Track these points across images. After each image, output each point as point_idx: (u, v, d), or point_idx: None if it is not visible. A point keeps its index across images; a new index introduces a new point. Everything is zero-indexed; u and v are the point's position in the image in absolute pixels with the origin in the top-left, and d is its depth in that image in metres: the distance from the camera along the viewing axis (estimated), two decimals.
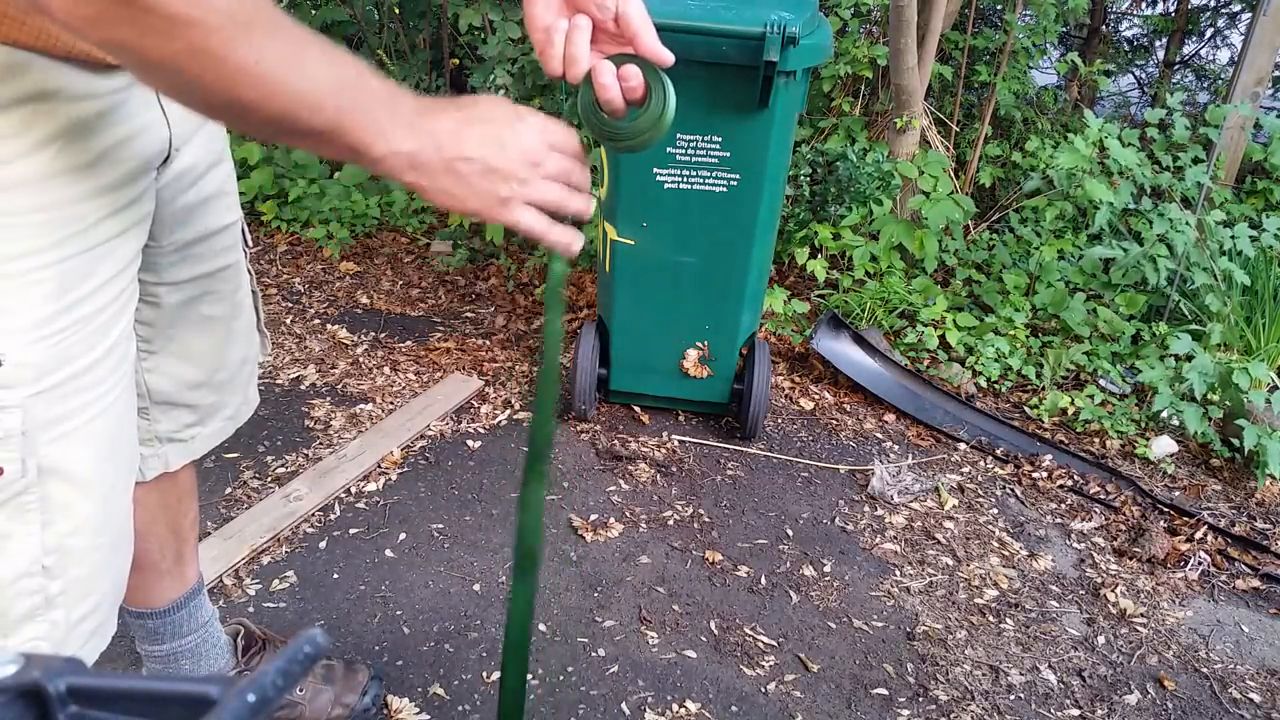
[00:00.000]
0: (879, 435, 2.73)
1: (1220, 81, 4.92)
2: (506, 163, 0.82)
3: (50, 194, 0.82)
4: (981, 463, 2.64)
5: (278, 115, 0.71)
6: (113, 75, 0.86)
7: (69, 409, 0.87)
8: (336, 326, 3.05)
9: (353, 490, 2.30)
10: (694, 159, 2.26)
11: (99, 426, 0.91)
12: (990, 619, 2.08)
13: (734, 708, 1.80)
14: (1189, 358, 2.73)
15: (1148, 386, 2.81)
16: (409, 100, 0.79)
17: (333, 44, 0.75)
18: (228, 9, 0.66)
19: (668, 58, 0.90)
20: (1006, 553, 2.30)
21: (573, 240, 0.88)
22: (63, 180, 0.83)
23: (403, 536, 2.16)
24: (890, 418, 2.81)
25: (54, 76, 0.80)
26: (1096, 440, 2.78)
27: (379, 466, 2.38)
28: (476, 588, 2.03)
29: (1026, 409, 2.88)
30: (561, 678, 1.82)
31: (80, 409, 0.88)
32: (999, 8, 4.38)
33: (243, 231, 1.24)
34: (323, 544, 2.12)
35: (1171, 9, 4.89)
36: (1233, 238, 2.99)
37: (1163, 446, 2.72)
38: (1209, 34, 5.06)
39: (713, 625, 1.99)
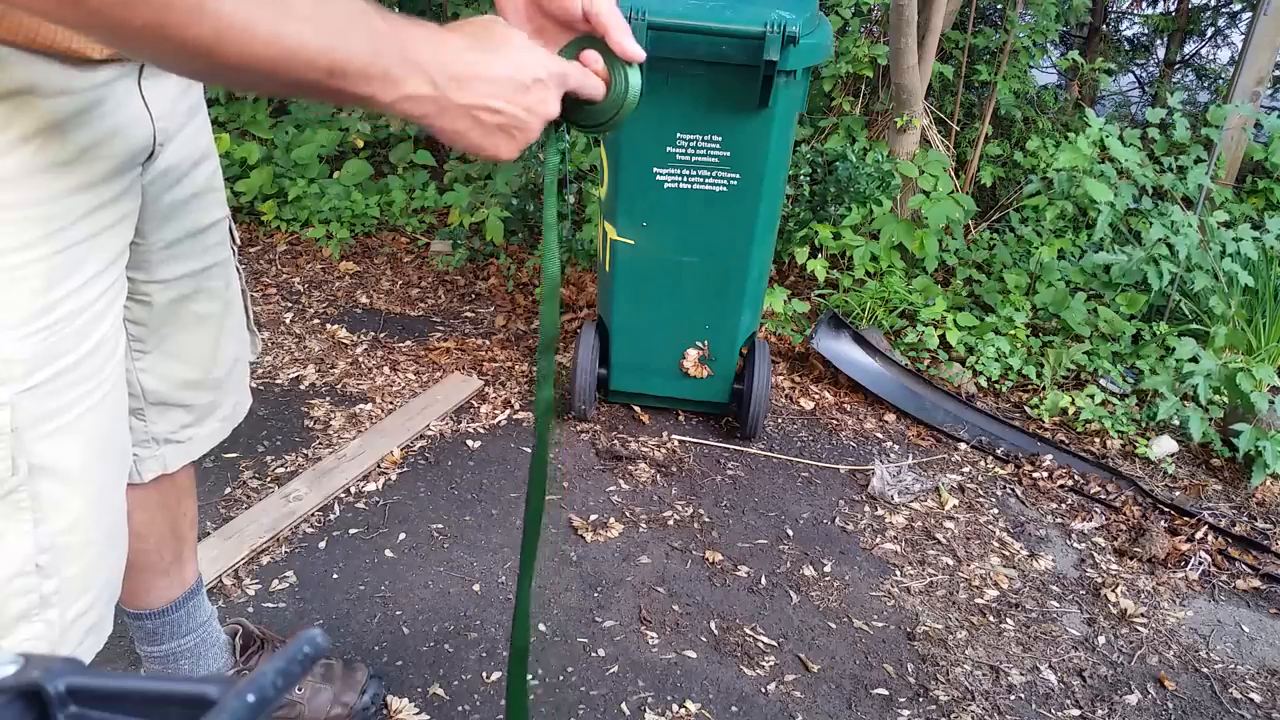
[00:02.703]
0: (879, 435, 2.73)
1: (1220, 81, 4.92)
2: (529, 120, 0.83)
3: (32, 190, 0.81)
4: (982, 463, 2.64)
5: (267, 74, 0.69)
6: (93, 70, 0.85)
7: (59, 405, 0.87)
8: (336, 326, 3.05)
9: (352, 490, 2.30)
10: (694, 158, 2.25)
11: (89, 422, 0.91)
12: (991, 619, 2.08)
13: (734, 708, 1.79)
14: (1193, 360, 2.73)
15: (1150, 389, 2.81)
16: (422, 35, 0.76)
17: None
18: None
19: (637, 54, 0.89)
20: (1007, 553, 2.29)
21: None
22: (45, 177, 0.82)
23: (402, 536, 2.16)
24: (890, 417, 2.81)
25: (33, 72, 0.79)
26: (1097, 440, 2.77)
27: (379, 466, 2.38)
28: (476, 588, 2.03)
29: (1027, 409, 2.88)
30: (561, 678, 1.82)
31: (70, 405, 0.88)
32: (999, 7, 4.38)
33: (230, 229, 1.24)
34: (322, 544, 2.12)
35: (1172, 8, 4.89)
36: (1235, 239, 2.99)
37: (1163, 446, 2.72)
38: (1209, 33, 5.05)
39: (713, 625, 1.99)
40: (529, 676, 1.82)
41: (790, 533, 2.29)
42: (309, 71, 0.69)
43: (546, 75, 0.82)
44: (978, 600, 2.13)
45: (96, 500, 0.94)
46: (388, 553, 2.11)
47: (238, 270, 1.27)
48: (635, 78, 0.91)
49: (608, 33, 0.89)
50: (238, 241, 1.27)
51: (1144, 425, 2.82)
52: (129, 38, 0.65)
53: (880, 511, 2.39)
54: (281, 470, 2.35)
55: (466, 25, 0.82)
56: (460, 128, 0.80)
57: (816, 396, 2.88)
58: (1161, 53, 4.99)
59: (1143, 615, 2.13)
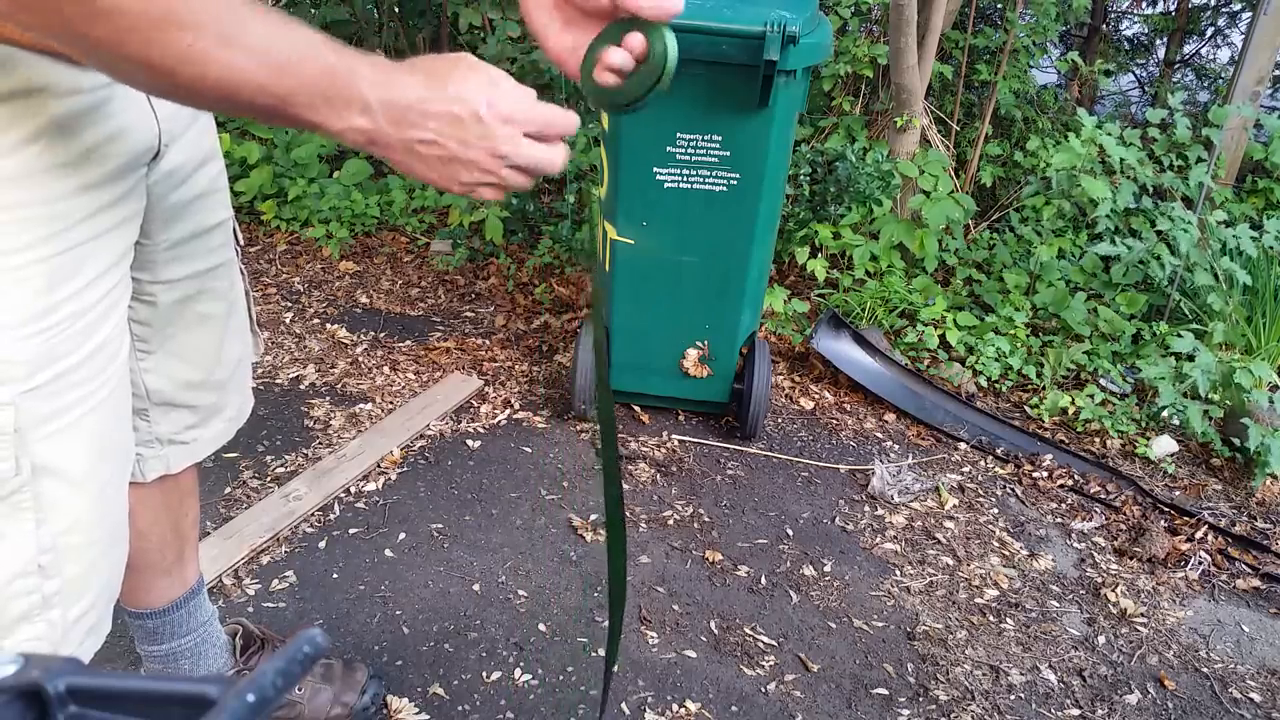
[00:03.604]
0: (879, 435, 2.73)
1: (1220, 81, 4.91)
2: (471, 155, 0.82)
3: (36, 190, 0.82)
4: (982, 462, 2.64)
5: (222, 97, 0.72)
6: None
7: (60, 406, 0.87)
8: (336, 326, 3.05)
9: (352, 490, 2.30)
10: (694, 158, 2.25)
11: (91, 423, 0.91)
12: (990, 619, 2.08)
13: (734, 708, 1.79)
14: (1190, 356, 2.73)
15: (1149, 385, 2.81)
16: (368, 72, 0.77)
17: (285, 18, 0.73)
18: None
19: (674, 7, 0.89)
20: (1007, 552, 2.29)
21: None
22: (49, 176, 0.82)
23: (402, 536, 2.16)
24: (890, 417, 2.81)
25: (40, 72, 0.79)
26: (1097, 440, 2.77)
27: (378, 466, 2.38)
28: (476, 588, 2.03)
29: (1027, 408, 2.88)
30: (561, 678, 1.82)
31: (72, 406, 0.88)
32: (999, 6, 4.38)
33: (234, 229, 1.24)
34: (322, 544, 2.12)
35: (1172, 8, 4.88)
36: (1235, 237, 2.99)
37: (1163, 446, 2.72)
38: (1209, 33, 5.05)
39: (713, 625, 1.99)
40: (529, 677, 1.82)
41: (790, 532, 2.29)
42: (261, 96, 0.73)
43: (487, 111, 0.81)
44: (978, 600, 2.13)
45: (98, 500, 0.94)
46: (388, 552, 2.11)
47: (241, 271, 1.28)
48: (672, 40, 0.91)
49: (639, 8, 0.88)
50: (241, 242, 1.28)
51: (1144, 425, 2.82)
52: (89, 50, 0.68)
53: (880, 511, 2.39)
54: (281, 470, 2.35)
55: (426, 61, 0.83)
56: (400, 159, 0.82)
57: (816, 396, 2.88)
58: (1161, 53, 4.99)
59: (1143, 615, 2.13)
